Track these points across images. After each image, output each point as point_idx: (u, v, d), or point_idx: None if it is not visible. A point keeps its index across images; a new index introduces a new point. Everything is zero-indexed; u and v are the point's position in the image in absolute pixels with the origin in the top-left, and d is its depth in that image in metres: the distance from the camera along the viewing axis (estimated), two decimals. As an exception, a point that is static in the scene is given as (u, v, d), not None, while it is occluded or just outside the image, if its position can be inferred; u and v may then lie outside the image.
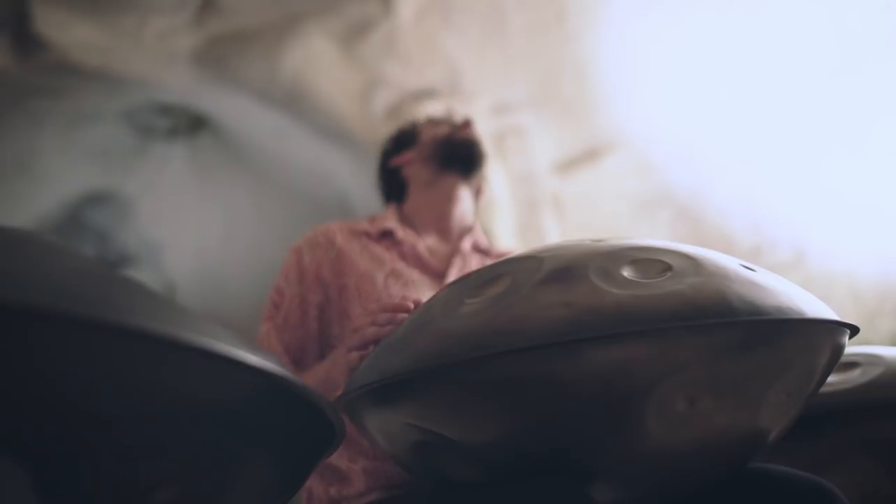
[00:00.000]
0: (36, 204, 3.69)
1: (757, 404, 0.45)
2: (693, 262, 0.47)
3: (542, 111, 3.04)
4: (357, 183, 3.34)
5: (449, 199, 1.20)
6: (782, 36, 2.93)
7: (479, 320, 0.45)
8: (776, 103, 3.01)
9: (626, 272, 0.45)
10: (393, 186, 1.29)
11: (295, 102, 2.96)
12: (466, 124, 1.26)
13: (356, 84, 2.97)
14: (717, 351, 0.42)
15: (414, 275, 1.08)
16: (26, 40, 2.65)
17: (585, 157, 3.09)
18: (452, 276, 1.09)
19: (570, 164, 3.09)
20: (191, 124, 3.82)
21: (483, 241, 1.22)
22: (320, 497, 0.97)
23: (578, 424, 0.43)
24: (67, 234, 4.09)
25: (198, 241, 4.26)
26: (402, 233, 1.13)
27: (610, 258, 0.48)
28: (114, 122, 3.54)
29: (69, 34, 2.66)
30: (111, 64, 2.81)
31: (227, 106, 3.32)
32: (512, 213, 2.96)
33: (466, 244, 1.18)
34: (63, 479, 0.25)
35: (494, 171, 3.03)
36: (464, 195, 1.21)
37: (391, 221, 1.16)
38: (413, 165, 1.25)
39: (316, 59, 2.88)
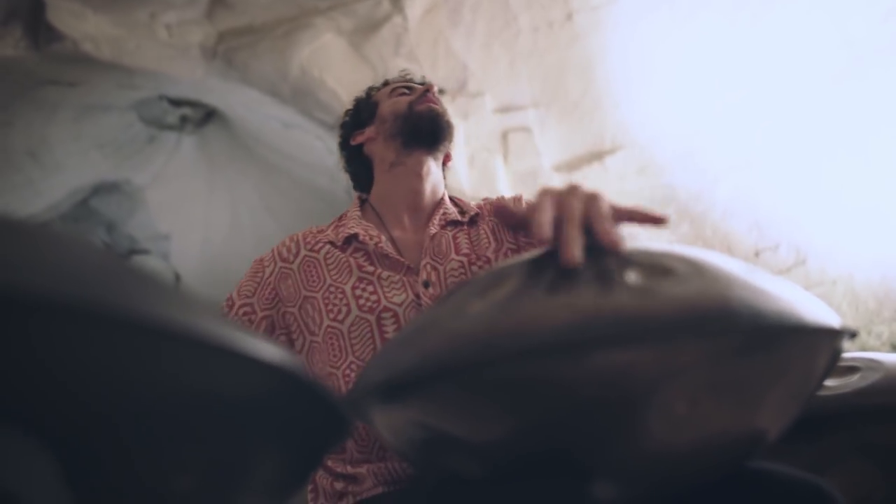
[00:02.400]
0: (47, 192, 3.73)
1: (756, 406, 0.46)
2: (695, 266, 0.47)
3: (548, 111, 3.06)
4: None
5: (418, 177, 1.12)
6: (787, 40, 2.94)
7: (487, 322, 0.46)
8: (780, 106, 3.03)
9: (630, 276, 0.46)
10: (358, 167, 1.21)
11: (303, 97, 2.98)
12: (427, 92, 1.16)
13: (364, 80, 2.99)
14: (718, 355, 0.43)
15: (384, 274, 1.03)
16: (40, 31, 2.68)
17: (590, 156, 3.11)
18: (426, 267, 1.04)
19: (575, 164, 3.11)
20: (200, 117, 3.86)
21: (452, 212, 1.13)
22: (326, 490, 0.96)
23: (581, 425, 0.44)
24: (77, 223, 4.14)
25: (204, 233, 4.29)
26: (364, 234, 1.07)
27: (613, 262, 0.49)
28: (124, 114, 3.58)
29: (82, 26, 2.69)
30: (123, 56, 2.83)
31: (236, 99, 3.34)
32: (516, 210, 2.97)
33: (434, 226, 1.10)
34: (88, 466, 0.26)
35: (499, 170, 3.06)
36: (433, 169, 1.14)
37: (353, 224, 1.09)
38: (374, 143, 1.17)
39: (325, 55, 2.91)
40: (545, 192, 0.59)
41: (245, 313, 1.02)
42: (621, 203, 0.57)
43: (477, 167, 3.26)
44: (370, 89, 1.26)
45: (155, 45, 2.79)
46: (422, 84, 1.21)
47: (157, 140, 3.89)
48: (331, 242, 1.07)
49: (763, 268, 2.99)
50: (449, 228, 1.11)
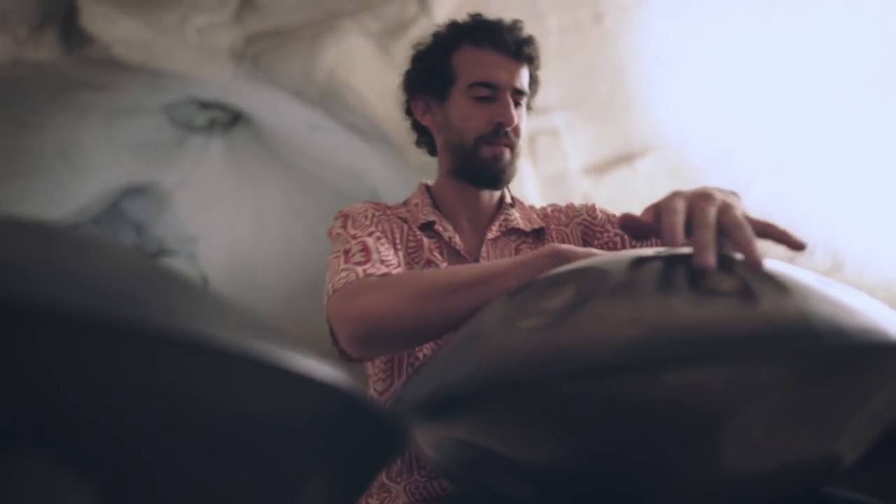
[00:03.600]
0: (77, 194, 3.78)
1: (837, 431, 0.43)
2: (768, 276, 0.44)
3: (577, 112, 3.02)
4: (389, 180, 3.35)
5: (475, 195, 1.06)
6: (823, 39, 2.87)
7: (543, 336, 0.42)
8: (815, 107, 2.96)
9: (698, 287, 0.42)
10: (423, 135, 1.11)
11: (330, 100, 2.98)
12: (502, 132, 1.00)
13: (391, 83, 2.96)
14: (798, 375, 0.39)
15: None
16: (73, 35, 2.71)
17: (619, 159, 3.06)
18: None
19: (604, 167, 3.07)
20: (228, 120, 3.88)
21: (516, 219, 1.07)
22: None
23: (646, 449, 0.41)
24: (106, 225, 4.19)
25: (231, 235, 4.32)
26: (441, 226, 1.02)
27: (681, 272, 0.45)
28: (154, 117, 3.61)
29: (113, 30, 2.71)
30: (152, 59, 2.86)
31: (264, 102, 3.35)
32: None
33: (493, 231, 1.04)
34: (130, 494, 0.25)
35: (527, 173, 3.02)
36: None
37: (428, 212, 1.04)
38: (437, 133, 1.07)
39: (352, 58, 2.90)
40: (677, 195, 0.55)
41: (378, 238, 0.91)
42: (755, 216, 0.53)
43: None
44: (454, 38, 1.04)
45: (184, 48, 2.81)
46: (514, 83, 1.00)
47: (185, 143, 3.92)
48: (405, 220, 1.02)
49: (798, 273, 2.92)
50: (512, 237, 1.05)
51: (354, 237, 0.92)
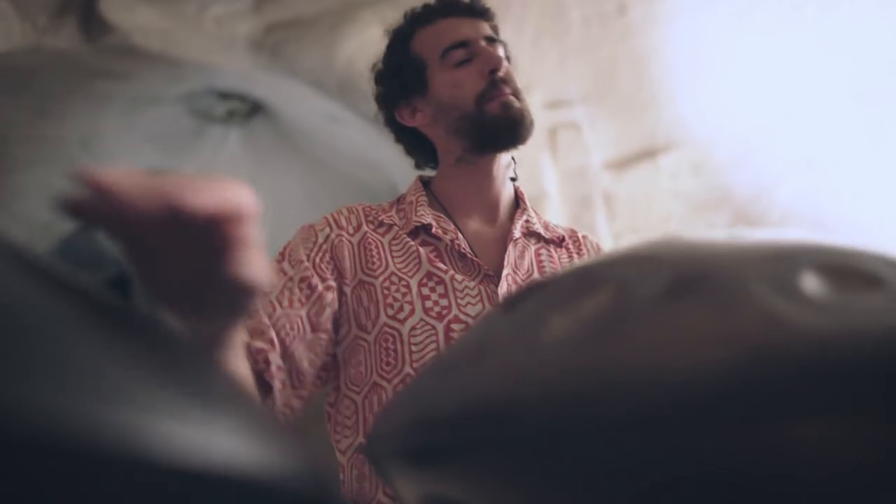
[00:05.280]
0: (97, 183, 3.80)
1: None
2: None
3: (599, 106, 2.96)
4: (407, 172, 3.32)
5: (490, 177, 0.94)
6: (854, 34, 2.78)
7: (577, 356, 0.29)
8: (845, 103, 2.87)
9: (812, 285, 0.28)
10: (413, 144, 1.00)
11: (349, 90, 2.95)
12: (498, 80, 0.89)
13: (410, 74, 2.96)
14: None
15: (457, 277, 0.85)
16: (92, 23, 2.71)
17: (642, 154, 3.00)
18: (507, 279, 0.87)
19: (626, 162, 3.01)
20: (246, 111, 3.88)
21: (536, 224, 0.96)
22: None
23: None
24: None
25: (249, 226, 4.33)
26: (437, 227, 0.89)
27: (781, 261, 0.29)
28: (173, 106, 3.62)
29: (133, 18, 2.71)
30: (171, 49, 2.85)
31: (282, 92, 3.34)
32: (562, 209, 2.89)
33: (517, 230, 0.92)
34: None
35: (546, 167, 2.97)
36: (504, 160, 0.95)
37: (423, 212, 0.91)
38: (433, 128, 0.95)
39: (371, 48, 2.87)
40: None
41: (303, 279, 0.81)
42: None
43: (523, 164, 3.16)
44: (402, 33, 0.97)
45: (203, 37, 2.80)
46: (488, 37, 0.92)
47: (204, 133, 3.93)
48: (396, 225, 0.90)
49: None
50: (532, 241, 0.95)
51: (282, 273, 0.82)
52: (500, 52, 0.94)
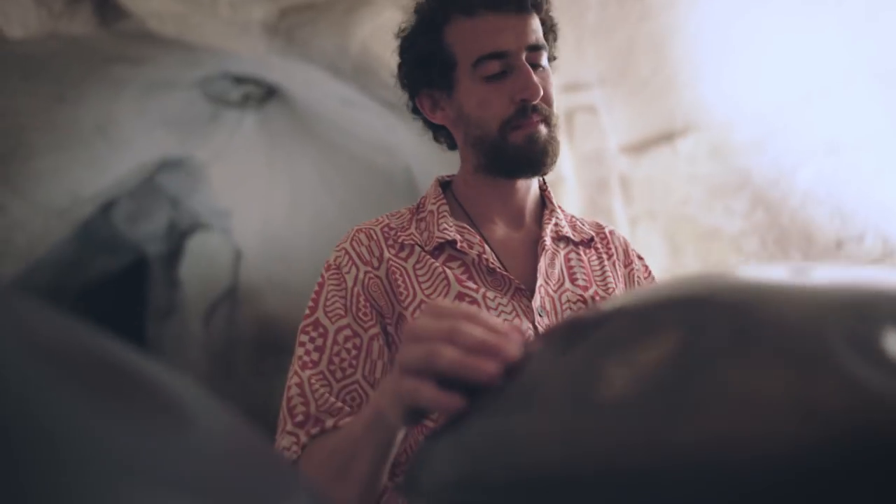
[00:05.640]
0: (114, 168, 3.83)
1: None
2: None
3: (616, 89, 2.93)
4: (422, 156, 3.31)
5: (513, 188, 0.89)
6: (876, 15, 2.72)
7: (639, 423, 0.27)
8: (865, 86, 2.81)
9: None
10: (438, 133, 0.94)
11: (363, 74, 2.94)
12: (529, 109, 0.82)
13: (425, 57, 2.93)
14: None
15: (489, 294, 0.81)
16: (108, 8, 2.71)
17: (659, 138, 2.97)
18: (540, 291, 0.83)
19: (643, 146, 2.98)
20: (261, 95, 3.87)
21: (565, 226, 0.91)
22: None
23: None
24: (142, 199, 4.24)
25: (265, 209, 4.34)
26: (462, 241, 0.84)
27: (860, 314, 0.26)
28: (188, 91, 3.62)
29: (148, 4, 2.70)
30: (186, 34, 2.85)
31: (297, 76, 3.33)
32: (578, 193, 2.87)
33: (548, 237, 0.87)
34: None
35: (563, 151, 2.95)
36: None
37: (445, 225, 0.85)
38: (455, 130, 0.89)
39: (385, 32, 2.85)
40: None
41: (347, 338, 0.78)
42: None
43: (539, 148, 3.13)
44: (437, 14, 0.85)
45: (217, 22, 2.79)
46: (529, 47, 0.81)
47: (219, 117, 3.93)
48: (418, 245, 0.85)
49: (846, 259, 2.81)
50: (561, 245, 0.90)
51: (324, 331, 0.79)
52: (543, 60, 0.85)
